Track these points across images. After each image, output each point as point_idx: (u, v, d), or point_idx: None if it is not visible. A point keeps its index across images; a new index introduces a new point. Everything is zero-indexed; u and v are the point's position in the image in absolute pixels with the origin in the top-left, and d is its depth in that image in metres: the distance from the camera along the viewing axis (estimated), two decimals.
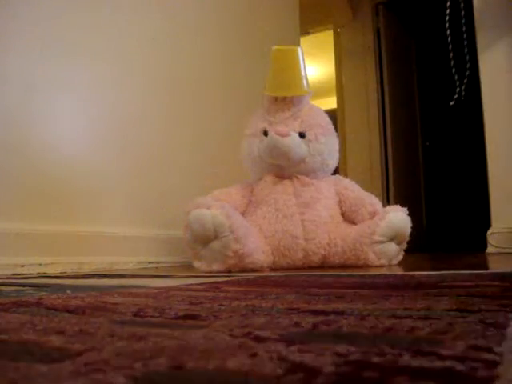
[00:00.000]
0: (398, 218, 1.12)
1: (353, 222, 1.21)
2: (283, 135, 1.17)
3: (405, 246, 1.20)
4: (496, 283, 0.54)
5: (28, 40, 1.07)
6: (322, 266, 1.16)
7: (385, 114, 3.23)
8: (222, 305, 0.38)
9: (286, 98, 1.24)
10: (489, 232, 1.89)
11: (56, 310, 0.37)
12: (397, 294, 0.44)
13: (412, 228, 1.16)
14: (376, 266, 1.09)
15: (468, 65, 1.79)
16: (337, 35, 3.45)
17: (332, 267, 1.13)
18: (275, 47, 1.27)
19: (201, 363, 0.19)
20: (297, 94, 1.23)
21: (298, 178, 1.20)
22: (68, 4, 1.18)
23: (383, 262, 1.11)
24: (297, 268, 1.14)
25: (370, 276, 0.74)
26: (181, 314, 0.33)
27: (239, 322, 0.29)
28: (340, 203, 1.23)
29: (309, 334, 0.25)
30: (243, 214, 1.20)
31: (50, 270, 1.03)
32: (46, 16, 1.12)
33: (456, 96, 1.80)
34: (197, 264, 1.04)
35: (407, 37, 3.72)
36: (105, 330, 0.27)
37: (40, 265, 1.01)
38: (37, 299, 0.45)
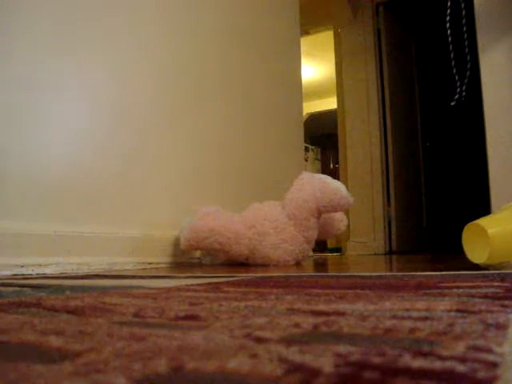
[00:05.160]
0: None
1: None
2: None
3: None
4: (496, 284, 0.53)
5: (31, 40, 1.07)
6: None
7: (385, 114, 3.23)
8: (221, 305, 0.38)
9: None
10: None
11: (55, 310, 0.37)
12: (397, 294, 0.44)
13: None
14: None
15: (469, 65, 1.79)
16: (337, 35, 3.45)
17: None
18: None
19: (201, 364, 0.19)
20: None
21: None
22: (71, 4, 1.18)
23: None
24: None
25: (371, 277, 0.74)
26: (181, 314, 0.33)
27: (239, 323, 0.29)
28: None
29: (309, 335, 0.25)
30: None
31: (50, 271, 1.03)
32: (48, 16, 1.12)
33: (456, 96, 1.79)
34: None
35: (407, 37, 3.72)
36: (104, 331, 0.27)
37: (39, 265, 1.01)
38: (36, 300, 0.45)
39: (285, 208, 1.37)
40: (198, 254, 1.51)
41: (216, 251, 1.39)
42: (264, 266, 1.32)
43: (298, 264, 1.37)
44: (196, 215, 1.35)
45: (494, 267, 0.90)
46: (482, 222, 0.90)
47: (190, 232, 1.32)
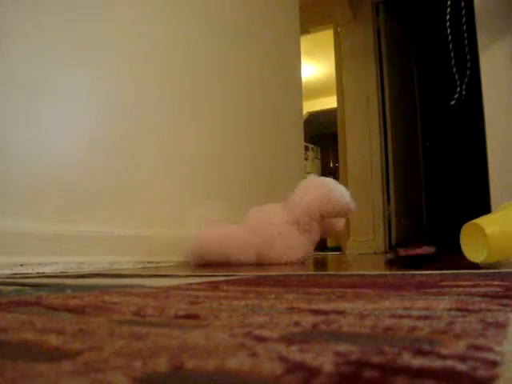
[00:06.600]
0: None
1: None
2: None
3: None
4: (496, 283, 0.53)
5: (30, 41, 1.07)
6: None
7: (385, 114, 3.23)
8: (221, 304, 0.38)
9: None
10: None
11: (55, 309, 0.37)
12: (397, 293, 0.44)
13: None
14: None
15: (469, 64, 1.79)
16: (337, 34, 3.45)
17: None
18: None
19: (201, 363, 0.19)
20: None
21: None
22: (68, 6, 1.18)
23: None
24: None
25: (370, 275, 0.74)
26: (180, 313, 0.33)
27: (239, 322, 0.29)
28: None
29: (309, 334, 0.25)
30: None
31: (50, 270, 1.03)
32: (48, 17, 1.12)
33: (456, 95, 1.79)
34: None
35: (407, 36, 3.72)
36: (104, 330, 0.27)
37: (40, 264, 1.01)
38: (36, 299, 0.45)
39: (288, 212, 1.37)
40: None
41: (225, 260, 1.38)
42: (265, 265, 1.33)
43: (300, 263, 1.38)
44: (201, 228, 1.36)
45: (493, 266, 0.90)
46: (480, 221, 0.90)
47: (199, 244, 1.32)
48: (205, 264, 1.34)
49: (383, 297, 0.41)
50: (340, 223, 1.51)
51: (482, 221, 0.90)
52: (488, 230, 0.86)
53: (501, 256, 0.89)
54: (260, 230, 1.37)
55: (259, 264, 1.36)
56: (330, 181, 1.39)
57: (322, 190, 1.34)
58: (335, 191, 1.33)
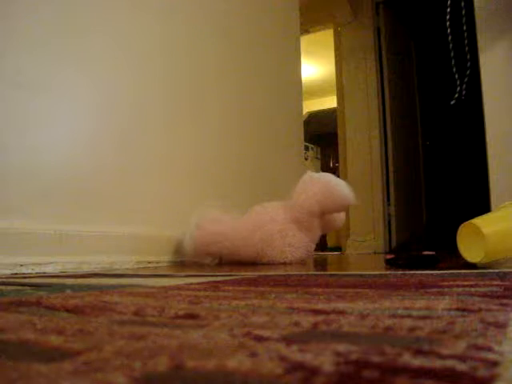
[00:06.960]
0: None
1: None
2: None
3: None
4: (496, 282, 0.54)
5: (27, 40, 1.07)
6: None
7: (385, 114, 3.23)
8: (221, 304, 0.38)
9: None
10: None
11: (55, 309, 0.37)
12: (397, 293, 0.44)
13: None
14: None
15: (468, 64, 1.79)
16: (337, 34, 3.45)
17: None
18: None
19: (201, 363, 0.19)
20: None
21: None
22: (66, 5, 1.18)
23: None
24: None
25: (370, 276, 0.74)
26: (180, 313, 0.33)
27: (239, 322, 0.29)
28: None
29: (309, 334, 0.25)
30: None
31: (50, 270, 1.03)
32: (45, 15, 1.12)
33: (456, 95, 1.79)
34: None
35: (407, 36, 3.72)
36: (104, 330, 0.27)
37: (39, 264, 1.01)
38: (36, 299, 0.45)
39: (288, 211, 1.37)
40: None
41: (223, 256, 1.38)
42: (265, 264, 1.33)
43: (300, 262, 1.38)
44: (202, 220, 1.35)
45: (490, 265, 0.90)
46: (477, 221, 0.90)
47: (199, 236, 1.31)
48: (203, 263, 1.35)
49: (383, 296, 0.41)
50: (341, 217, 1.51)
51: (480, 221, 0.90)
52: (485, 230, 0.86)
53: (498, 256, 0.89)
54: (260, 227, 1.37)
55: (259, 263, 1.36)
56: (327, 176, 1.39)
57: (319, 187, 1.34)
58: (334, 186, 1.34)
